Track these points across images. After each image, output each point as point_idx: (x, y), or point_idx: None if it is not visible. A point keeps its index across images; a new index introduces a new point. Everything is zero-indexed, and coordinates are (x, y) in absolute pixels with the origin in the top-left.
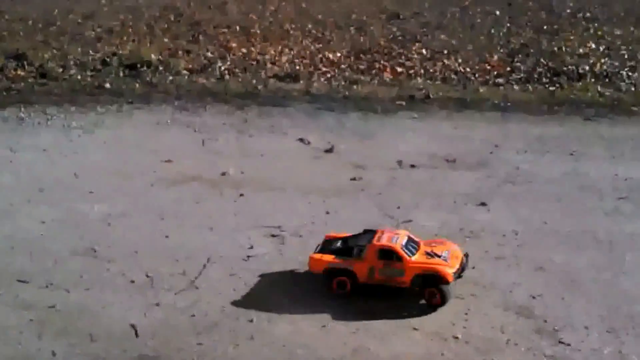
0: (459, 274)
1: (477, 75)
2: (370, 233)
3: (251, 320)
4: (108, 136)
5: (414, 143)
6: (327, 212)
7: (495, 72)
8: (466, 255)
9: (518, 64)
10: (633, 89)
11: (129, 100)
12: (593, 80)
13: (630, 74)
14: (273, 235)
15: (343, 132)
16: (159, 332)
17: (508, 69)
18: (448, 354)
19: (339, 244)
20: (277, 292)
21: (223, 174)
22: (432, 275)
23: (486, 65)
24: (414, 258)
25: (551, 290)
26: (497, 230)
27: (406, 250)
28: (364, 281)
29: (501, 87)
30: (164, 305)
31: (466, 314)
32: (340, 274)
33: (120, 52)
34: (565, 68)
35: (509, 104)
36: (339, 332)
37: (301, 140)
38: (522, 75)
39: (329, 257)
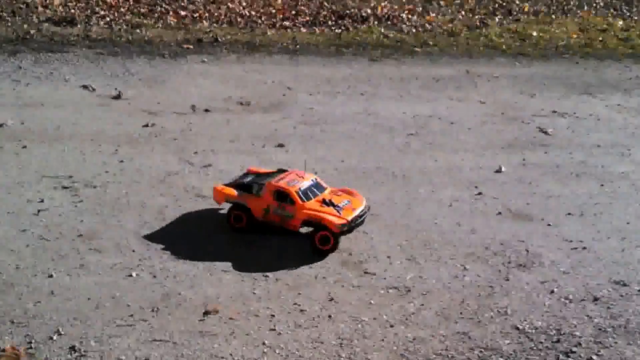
0: (351, 226)
1: (263, 18)
2: (280, 172)
3: (50, 276)
4: None
5: (206, 87)
6: (121, 161)
7: (280, 16)
8: (368, 208)
9: (302, 7)
10: (414, 30)
11: None
12: (376, 22)
13: (410, 16)
14: (64, 187)
15: (130, 78)
16: None
17: (293, 12)
18: (259, 292)
19: (249, 179)
20: (75, 245)
21: (0, 125)
22: (317, 224)
23: (271, 9)
24: (307, 204)
25: None
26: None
27: (301, 195)
28: (261, 219)
29: (288, 30)
30: None
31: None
32: (238, 208)
33: None
34: (348, 11)
35: (297, 46)
36: (147, 281)
37: (85, 87)
38: (308, 18)
39: (230, 191)
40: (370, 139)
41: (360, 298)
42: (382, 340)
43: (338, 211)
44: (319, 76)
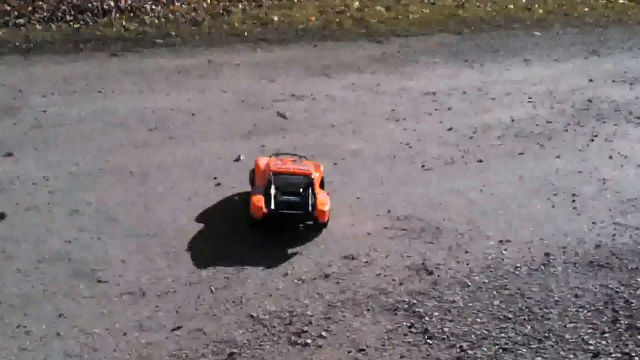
0: None
1: None
2: None
3: None
4: None
5: None
6: None
7: (16, 13)
8: None
9: (40, 2)
10: (157, 21)
11: None
12: (118, 15)
13: (154, 7)
14: None
15: None
16: None
17: (30, 8)
18: None
19: None
20: None
21: None
22: None
23: (5, 5)
24: None
25: (87, 232)
26: (26, 180)
27: None
28: None
29: (22, 28)
30: None
31: None
32: None
33: None
34: (90, 5)
35: (31, 45)
36: None
37: None
38: (45, 14)
39: None
40: (108, 138)
41: (93, 309)
42: (114, 350)
43: None
44: (54, 76)
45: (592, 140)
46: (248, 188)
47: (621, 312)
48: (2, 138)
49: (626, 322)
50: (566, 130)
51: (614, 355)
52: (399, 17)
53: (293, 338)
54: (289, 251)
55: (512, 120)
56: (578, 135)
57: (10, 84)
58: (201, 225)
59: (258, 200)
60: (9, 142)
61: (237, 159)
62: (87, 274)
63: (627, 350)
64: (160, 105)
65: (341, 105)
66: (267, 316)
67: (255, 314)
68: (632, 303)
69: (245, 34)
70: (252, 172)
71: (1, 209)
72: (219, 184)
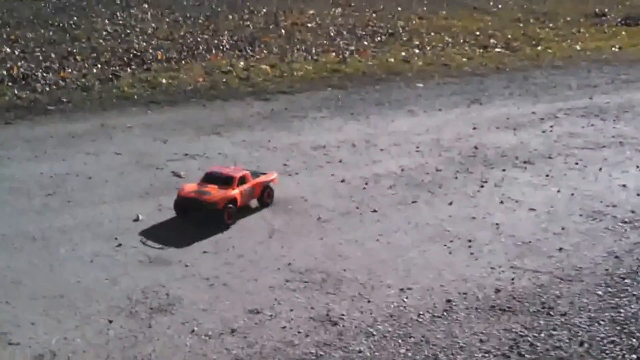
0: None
1: None
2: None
3: None
4: None
5: None
6: None
7: None
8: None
9: None
10: (48, 88)
11: None
12: (10, 83)
13: (45, 74)
14: None
15: None
16: None
17: None
18: None
19: None
20: None
21: None
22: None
23: None
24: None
25: None
26: None
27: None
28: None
29: None
30: None
31: None
32: None
33: None
34: None
35: None
36: None
37: None
38: None
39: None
40: (7, 204)
41: None
42: None
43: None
44: None
45: (482, 186)
46: (145, 247)
47: (527, 356)
48: None
49: None
50: (456, 178)
51: None
52: (284, 74)
53: None
54: (195, 307)
55: (402, 170)
56: (468, 182)
57: None
58: (104, 286)
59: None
60: None
61: (136, 219)
62: None
63: None
64: (57, 170)
65: (232, 163)
66: None
67: None
68: (537, 346)
69: (135, 97)
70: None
71: None
72: (119, 245)
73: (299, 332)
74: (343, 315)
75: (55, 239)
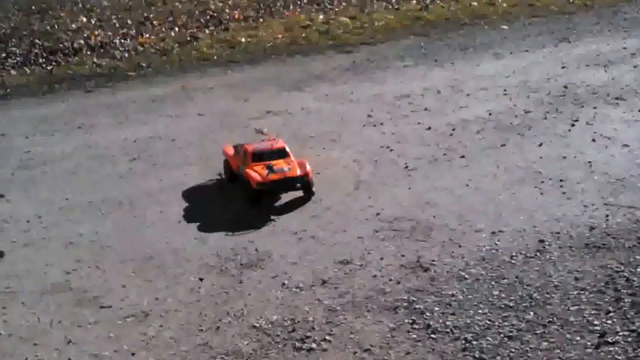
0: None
1: None
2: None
3: None
4: None
5: None
6: None
7: None
8: (303, 177)
9: (13, 48)
10: (127, 55)
11: None
12: (89, 52)
13: (123, 41)
14: None
15: None
16: None
17: (3, 55)
18: None
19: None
20: None
21: None
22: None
23: None
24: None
25: (84, 261)
26: (20, 218)
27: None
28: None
29: None
30: None
31: (4, 307)
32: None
33: None
34: (61, 45)
35: (8, 90)
36: None
37: None
38: (18, 59)
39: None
40: (92, 171)
41: (99, 334)
42: None
43: (268, 173)
44: (33, 117)
45: (573, 125)
46: (245, 206)
47: (624, 291)
48: None
49: (630, 300)
50: (545, 118)
51: (621, 333)
52: (365, 25)
53: (297, 344)
54: (284, 261)
55: (490, 114)
56: (558, 122)
57: None
58: (194, 244)
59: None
60: None
61: (220, 177)
62: (90, 301)
63: (634, 328)
64: (140, 134)
65: (317, 117)
66: (269, 326)
67: (258, 325)
68: (633, 281)
69: (215, 57)
70: (226, 162)
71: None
72: (207, 204)
73: (390, 280)
74: (434, 261)
75: (141, 203)
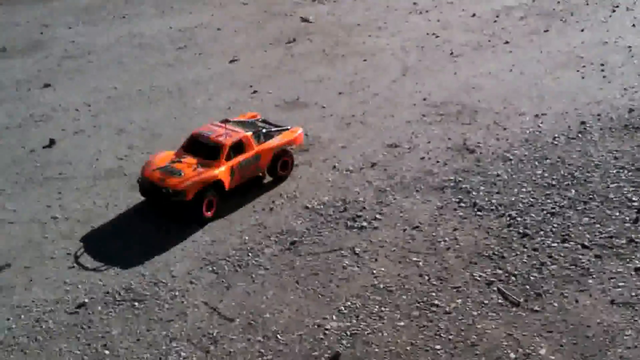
0: None
1: None
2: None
3: None
4: None
5: None
6: None
7: None
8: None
9: None
10: None
11: None
12: None
13: None
14: None
15: None
16: None
17: None
18: (51, 235)
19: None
20: None
21: None
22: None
23: None
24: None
25: (136, 148)
26: (69, 107)
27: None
28: None
29: None
30: None
31: (59, 192)
32: None
33: None
34: None
35: None
36: None
37: None
38: None
39: None
40: (139, 60)
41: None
42: (182, 250)
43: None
44: (75, 7)
45: (614, 11)
46: (286, 91)
47: None
48: (37, 71)
49: None
50: (587, 4)
51: None
52: None
53: (349, 223)
54: (334, 145)
55: (533, 0)
56: (599, 8)
57: (35, 20)
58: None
59: None
60: (44, 74)
61: (278, 67)
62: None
63: None
64: (185, 24)
65: (363, 4)
66: (321, 206)
67: (310, 205)
68: None
69: None
70: None
71: (50, 136)
72: (255, 92)
73: (437, 162)
74: (480, 143)
75: (190, 91)
